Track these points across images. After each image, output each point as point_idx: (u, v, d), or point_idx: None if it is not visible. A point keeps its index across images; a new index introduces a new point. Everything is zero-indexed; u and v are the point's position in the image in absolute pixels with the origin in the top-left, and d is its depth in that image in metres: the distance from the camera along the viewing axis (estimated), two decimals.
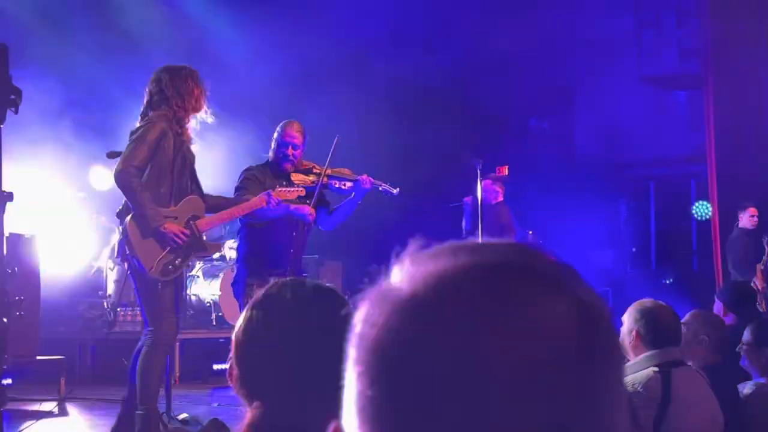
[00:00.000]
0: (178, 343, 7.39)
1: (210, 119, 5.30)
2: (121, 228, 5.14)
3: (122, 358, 7.82)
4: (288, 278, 1.81)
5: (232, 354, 1.75)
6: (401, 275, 0.69)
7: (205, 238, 5.40)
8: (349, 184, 5.86)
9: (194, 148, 5.30)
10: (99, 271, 8.99)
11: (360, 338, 0.68)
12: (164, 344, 5.05)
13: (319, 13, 10.60)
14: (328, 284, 1.84)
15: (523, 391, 0.62)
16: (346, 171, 5.92)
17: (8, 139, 3.60)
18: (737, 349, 4.10)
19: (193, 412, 6.21)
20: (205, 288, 9.16)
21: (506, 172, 8.77)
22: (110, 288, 8.84)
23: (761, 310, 7.70)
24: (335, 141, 5.81)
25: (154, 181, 5.02)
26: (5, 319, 3.65)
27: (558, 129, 13.58)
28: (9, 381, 6.59)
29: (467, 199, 9.22)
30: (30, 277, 6.69)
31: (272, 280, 1.79)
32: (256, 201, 5.42)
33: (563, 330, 0.64)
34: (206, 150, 5.83)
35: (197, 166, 5.33)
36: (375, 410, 0.65)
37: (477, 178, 7.60)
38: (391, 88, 10.83)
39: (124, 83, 8.11)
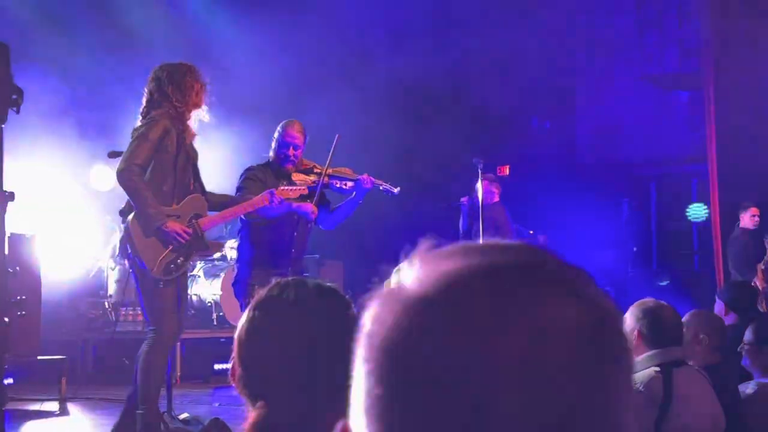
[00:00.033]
0: (179, 343, 7.38)
1: (207, 117, 5.29)
2: (123, 227, 5.13)
3: (123, 358, 7.86)
4: (290, 278, 1.81)
5: (234, 354, 1.75)
6: (412, 275, 0.69)
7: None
8: (350, 183, 5.85)
9: (197, 144, 5.29)
10: (100, 270, 9.00)
11: (369, 337, 0.68)
12: (165, 344, 5.04)
13: (320, 13, 10.60)
14: (329, 284, 1.84)
15: (532, 392, 0.62)
16: (346, 170, 5.92)
17: (10, 138, 3.60)
18: (738, 349, 4.11)
19: (194, 411, 6.21)
20: (206, 288, 9.16)
21: (507, 171, 8.77)
22: (111, 288, 8.85)
23: (762, 310, 7.70)
24: (336, 140, 5.80)
25: (156, 179, 5.02)
26: (7, 319, 3.66)
27: (559, 128, 13.57)
28: (10, 380, 6.61)
29: (464, 200, 9.22)
30: (31, 277, 6.70)
31: (274, 281, 1.79)
32: (259, 199, 5.41)
33: (574, 331, 0.64)
34: (207, 149, 5.82)
35: (199, 164, 5.33)
36: (383, 409, 0.65)
37: (478, 177, 7.61)
38: (392, 88, 10.83)
39: (126, 82, 8.11)
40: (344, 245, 9.64)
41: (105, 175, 9.21)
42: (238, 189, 5.73)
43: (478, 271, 0.66)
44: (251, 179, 5.73)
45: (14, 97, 3.54)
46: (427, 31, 11.50)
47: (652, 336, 3.45)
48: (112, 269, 8.82)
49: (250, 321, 1.73)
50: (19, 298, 5.97)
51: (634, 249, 12.78)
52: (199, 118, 5.24)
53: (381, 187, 5.93)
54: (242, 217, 5.64)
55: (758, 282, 9.04)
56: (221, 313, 8.97)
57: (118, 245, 5.72)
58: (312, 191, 5.74)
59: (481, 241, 0.71)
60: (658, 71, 13.01)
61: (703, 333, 4.02)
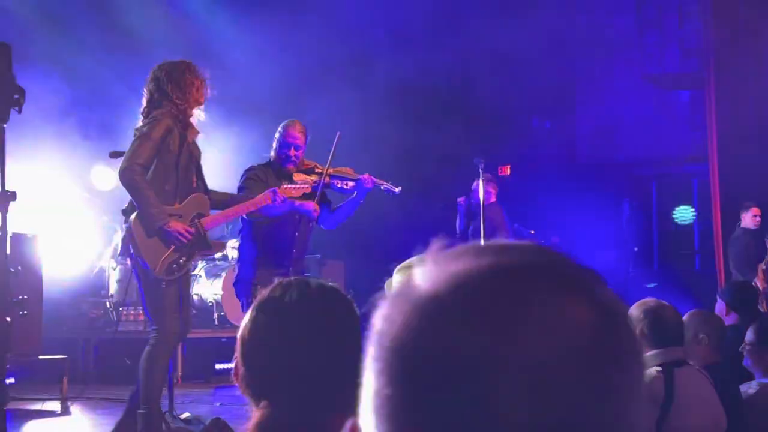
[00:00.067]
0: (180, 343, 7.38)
1: (202, 116, 5.27)
2: (125, 226, 5.13)
3: (125, 358, 7.87)
4: (292, 278, 1.82)
5: (237, 354, 1.75)
6: (423, 275, 0.69)
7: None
8: (351, 183, 5.86)
9: (200, 142, 5.29)
10: (102, 270, 9.00)
11: (379, 336, 0.68)
12: (168, 344, 5.03)
13: (320, 13, 10.60)
14: (331, 284, 1.84)
15: (542, 392, 0.62)
16: (347, 170, 5.92)
17: (11, 137, 3.60)
18: (740, 349, 4.11)
19: (196, 411, 6.21)
20: (207, 287, 9.17)
21: (508, 171, 8.76)
22: (113, 287, 8.85)
23: (763, 310, 7.69)
24: (336, 138, 5.80)
25: (159, 178, 5.01)
26: (8, 319, 3.66)
27: (560, 128, 13.57)
28: (12, 380, 6.60)
29: (460, 200, 9.23)
30: (33, 277, 6.71)
31: (276, 280, 1.80)
32: (262, 198, 5.41)
33: (584, 332, 0.64)
34: (208, 149, 5.82)
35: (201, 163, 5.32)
36: (392, 409, 0.65)
37: (479, 177, 7.62)
38: (393, 87, 10.84)
39: (127, 82, 8.11)
40: (346, 245, 9.64)
41: (106, 175, 9.21)
42: (240, 189, 5.73)
43: (488, 272, 0.66)
44: (253, 179, 5.73)
45: (16, 96, 3.55)
46: (427, 31, 11.50)
47: (654, 336, 3.45)
48: (114, 269, 8.82)
49: (253, 321, 1.74)
50: (20, 297, 5.96)
51: (635, 249, 12.78)
52: (198, 118, 5.24)
53: (382, 187, 5.93)
54: (244, 216, 5.64)
55: (759, 282, 9.04)
56: (222, 313, 8.97)
57: (120, 245, 5.71)
58: (313, 191, 5.75)
59: (481, 241, 0.72)
60: (658, 71, 12.99)
61: (703, 333, 4.02)
